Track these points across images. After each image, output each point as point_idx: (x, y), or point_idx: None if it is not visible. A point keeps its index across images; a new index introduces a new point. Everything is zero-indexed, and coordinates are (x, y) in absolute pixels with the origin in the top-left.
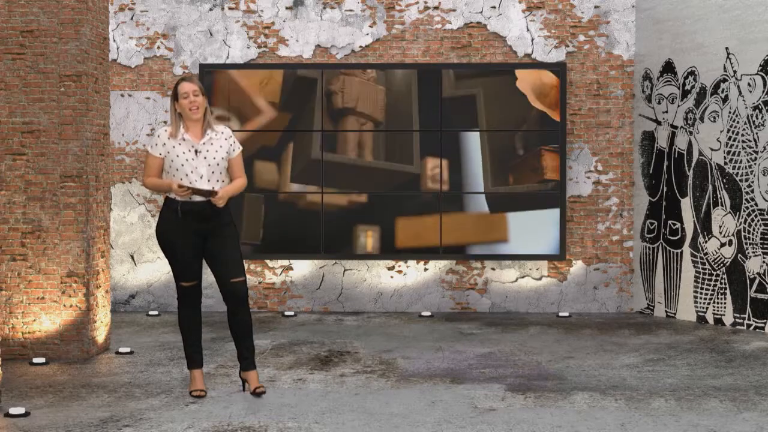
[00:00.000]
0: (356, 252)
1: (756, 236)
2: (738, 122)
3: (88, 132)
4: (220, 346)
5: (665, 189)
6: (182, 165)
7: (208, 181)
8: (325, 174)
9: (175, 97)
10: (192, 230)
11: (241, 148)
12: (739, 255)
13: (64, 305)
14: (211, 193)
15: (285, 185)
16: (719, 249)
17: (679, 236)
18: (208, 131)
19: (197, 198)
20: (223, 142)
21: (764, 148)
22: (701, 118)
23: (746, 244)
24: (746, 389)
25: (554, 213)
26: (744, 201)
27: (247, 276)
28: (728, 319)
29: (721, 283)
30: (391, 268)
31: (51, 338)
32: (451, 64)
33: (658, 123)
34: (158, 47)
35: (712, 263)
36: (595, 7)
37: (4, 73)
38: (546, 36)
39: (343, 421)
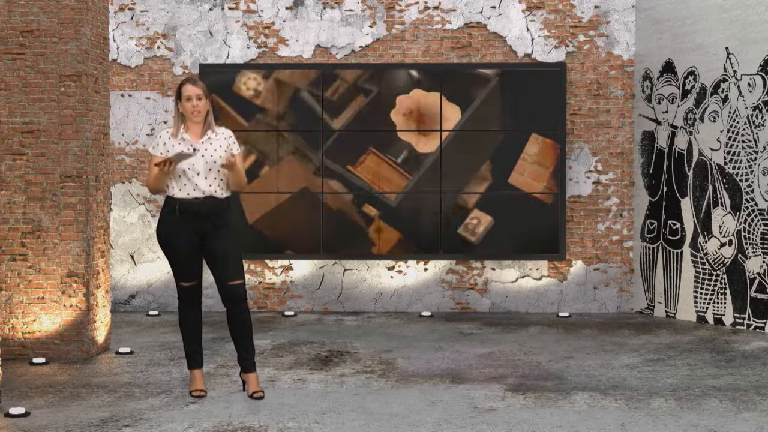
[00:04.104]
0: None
1: (756, 236)
2: (738, 122)
3: (88, 132)
4: (220, 346)
5: (665, 189)
6: (180, 162)
7: (205, 178)
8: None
9: (178, 96)
10: (191, 230)
11: (240, 149)
12: (739, 255)
13: (64, 305)
14: (189, 155)
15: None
16: (719, 249)
17: (679, 236)
18: (209, 132)
19: (195, 195)
20: (222, 142)
21: (764, 148)
22: (701, 118)
23: (746, 244)
24: (746, 389)
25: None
26: (744, 201)
27: (247, 276)
28: (728, 319)
29: (721, 283)
30: (391, 268)
31: (51, 338)
32: (451, 64)
33: (658, 123)
34: (158, 47)
35: (712, 263)
36: (595, 7)
37: (4, 73)
38: (546, 36)
39: (343, 421)
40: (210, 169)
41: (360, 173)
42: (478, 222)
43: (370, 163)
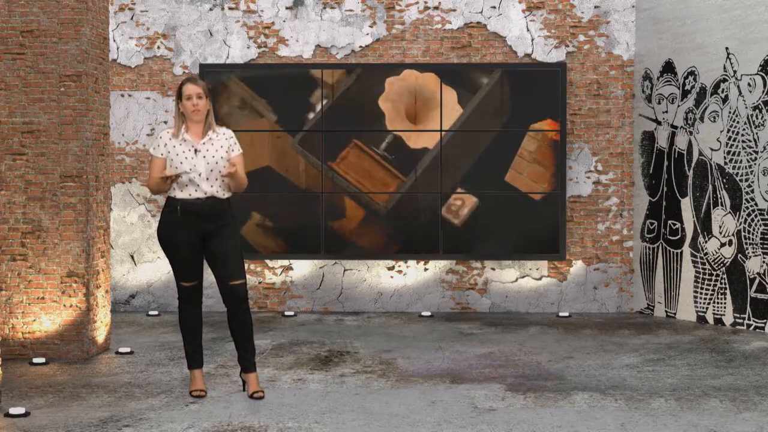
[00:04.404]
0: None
1: (756, 236)
2: (738, 122)
3: (88, 132)
4: (220, 346)
5: (665, 189)
6: (181, 164)
7: (207, 179)
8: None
9: (179, 96)
10: (192, 230)
11: (241, 150)
12: (739, 255)
13: (64, 305)
14: (189, 173)
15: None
16: (719, 249)
17: (679, 236)
18: (209, 132)
19: (197, 196)
20: (223, 143)
21: (764, 148)
22: (701, 118)
23: (746, 244)
24: (746, 389)
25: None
26: (744, 201)
27: (248, 276)
28: (728, 319)
29: (721, 283)
30: (391, 268)
31: (51, 338)
32: (451, 64)
33: (658, 123)
34: (158, 47)
35: (712, 263)
36: (595, 7)
37: (4, 73)
38: (546, 36)
39: (343, 421)
40: (212, 171)
41: (342, 170)
42: (462, 203)
43: (353, 158)
